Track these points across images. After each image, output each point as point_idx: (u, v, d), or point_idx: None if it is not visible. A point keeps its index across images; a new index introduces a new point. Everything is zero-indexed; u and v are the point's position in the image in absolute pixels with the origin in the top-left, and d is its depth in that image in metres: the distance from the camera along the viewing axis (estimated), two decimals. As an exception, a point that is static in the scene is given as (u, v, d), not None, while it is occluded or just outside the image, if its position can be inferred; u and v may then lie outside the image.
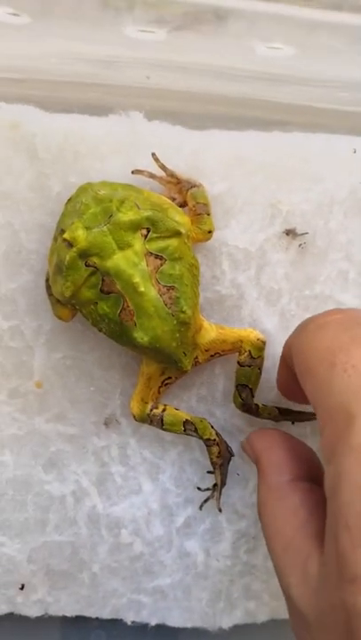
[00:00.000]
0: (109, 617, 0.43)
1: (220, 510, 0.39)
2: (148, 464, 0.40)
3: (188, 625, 0.43)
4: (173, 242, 0.32)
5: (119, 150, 0.36)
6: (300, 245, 0.38)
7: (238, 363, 0.37)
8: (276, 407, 0.38)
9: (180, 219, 0.33)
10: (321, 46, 0.27)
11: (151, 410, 0.37)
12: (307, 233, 0.38)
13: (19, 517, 0.41)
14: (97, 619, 0.43)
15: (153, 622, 0.43)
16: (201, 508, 0.40)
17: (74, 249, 0.31)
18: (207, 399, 0.40)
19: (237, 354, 0.37)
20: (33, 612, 0.42)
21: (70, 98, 0.36)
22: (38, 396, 0.39)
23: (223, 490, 0.40)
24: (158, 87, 0.35)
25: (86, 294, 0.32)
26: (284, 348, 0.32)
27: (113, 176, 0.35)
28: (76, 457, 0.40)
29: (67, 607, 0.42)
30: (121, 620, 0.43)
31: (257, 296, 0.38)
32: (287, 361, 0.31)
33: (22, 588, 0.42)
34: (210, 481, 0.40)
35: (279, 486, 0.30)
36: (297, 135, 0.38)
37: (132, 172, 0.35)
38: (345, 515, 0.22)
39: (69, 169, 0.36)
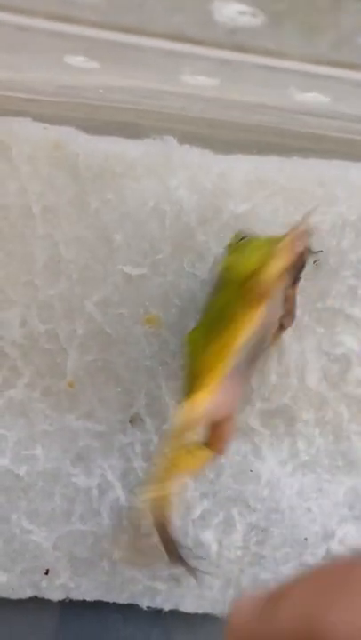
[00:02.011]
0: (126, 602, 0.46)
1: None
2: (168, 460, 0.44)
3: (200, 611, 0.46)
4: None
5: (153, 171, 0.39)
6: (314, 262, 0.41)
7: None
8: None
9: None
10: (346, 93, 0.30)
11: None
12: (321, 251, 0.41)
13: (46, 507, 0.44)
14: (114, 603, 0.46)
15: (167, 608, 0.46)
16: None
17: None
18: (225, 401, 0.43)
19: None
20: (55, 595, 0.45)
21: (109, 121, 0.39)
22: (69, 395, 0.42)
23: (236, 486, 0.43)
24: (191, 115, 0.38)
25: None
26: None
27: (146, 195, 0.38)
28: (102, 452, 0.43)
29: (87, 592, 0.45)
30: (137, 605, 0.46)
31: (274, 307, 0.42)
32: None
33: (47, 573, 0.45)
34: (225, 477, 0.44)
35: None
36: (314, 161, 0.41)
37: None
38: None
39: (107, 187, 0.39)
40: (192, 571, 0.41)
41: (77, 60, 0.31)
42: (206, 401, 0.33)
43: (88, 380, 0.42)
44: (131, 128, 0.39)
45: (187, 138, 0.39)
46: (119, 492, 0.44)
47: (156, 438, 0.43)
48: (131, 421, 0.43)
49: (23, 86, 0.38)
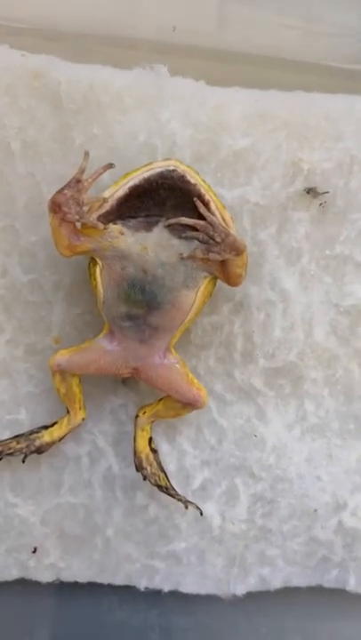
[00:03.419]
0: (122, 583, 0.42)
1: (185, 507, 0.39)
2: (164, 424, 0.40)
3: (202, 591, 0.42)
4: None
5: (143, 103, 0.36)
6: (320, 205, 0.38)
7: None
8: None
9: None
10: None
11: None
12: (327, 192, 0.38)
13: (33, 478, 0.40)
14: (109, 585, 0.42)
15: (166, 589, 0.42)
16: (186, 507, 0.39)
17: None
18: (225, 359, 0.40)
19: None
20: (45, 577, 0.42)
21: (95, 52, 0.36)
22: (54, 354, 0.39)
23: (240, 452, 0.40)
24: (184, 45, 0.35)
25: None
26: None
27: (135, 129, 0.35)
28: (92, 416, 0.40)
29: (79, 573, 0.42)
30: (134, 586, 0.42)
31: (277, 254, 0.38)
32: None
33: (35, 551, 0.41)
34: (227, 443, 0.40)
35: None
36: (319, 95, 0.38)
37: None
38: None
39: (93, 120, 0.36)
40: (181, 498, 0.39)
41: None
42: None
43: (76, 336, 0.38)
44: (118, 57, 0.36)
45: (179, 70, 0.36)
46: (111, 460, 0.40)
47: (150, 400, 0.39)
48: (123, 381, 0.40)
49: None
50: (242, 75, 0.37)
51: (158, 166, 0.31)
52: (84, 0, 0.34)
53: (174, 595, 0.42)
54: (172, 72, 0.36)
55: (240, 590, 0.42)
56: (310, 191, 0.37)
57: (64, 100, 0.35)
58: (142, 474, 0.38)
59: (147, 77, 0.36)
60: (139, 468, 0.38)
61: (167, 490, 0.39)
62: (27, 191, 0.36)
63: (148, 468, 0.38)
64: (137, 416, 0.38)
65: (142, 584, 0.42)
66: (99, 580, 0.42)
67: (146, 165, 0.32)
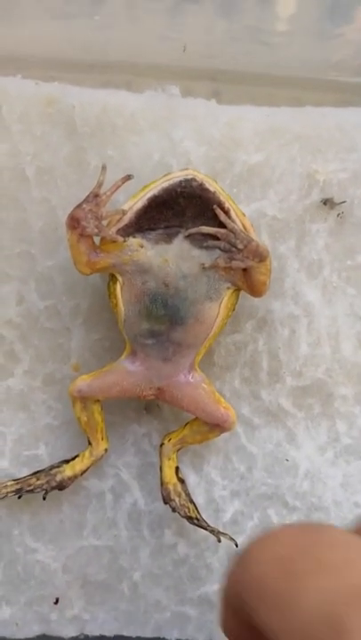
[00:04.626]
0: (152, 635, 0.39)
1: (218, 540, 0.36)
2: (191, 453, 0.38)
3: (240, 640, 0.39)
4: None
5: (156, 124, 0.36)
6: (338, 215, 0.38)
7: None
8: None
9: None
10: None
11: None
12: (344, 202, 0.37)
13: (53, 519, 0.38)
14: (138, 638, 0.39)
15: (200, 639, 0.39)
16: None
17: None
18: (251, 380, 0.38)
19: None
20: (68, 631, 0.39)
21: (105, 78, 0.37)
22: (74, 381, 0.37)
23: (271, 480, 0.38)
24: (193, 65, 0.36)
25: None
26: (227, 589, 0.22)
27: (150, 149, 0.35)
28: (115, 448, 0.38)
29: (105, 625, 0.39)
30: (164, 638, 0.39)
31: (298, 267, 0.37)
32: (233, 603, 0.21)
33: (56, 602, 0.38)
34: (257, 471, 0.38)
35: None
36: (329, 109, 0.38)
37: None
38: None
39: (107, 143, 0.36)
40: (213, 530, 0.36)
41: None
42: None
43: (95, 363, 0.37)
44: (129, 83, 0.36)
45: (190, 90, 0.37)
46: (137, 495, 0.38)
47: (174, 427, 0.38)
48: (146, 408, 0.38)
49: (13, 45, 0.36)
50: (252, 93, 0.38)
51: (176, 176, 0.31)
52: (91, 28, 0.35)
53: (209, 646, 0.39)
54: (183, 93, 0.36)
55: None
56: (327, 202, 0.37)
57: (78, 124, 0.35)
58: (171, 506, 0.36)
59: (159, 98, 0.36)
60: (167, 499, 0.36)
61: (198, 522, 0.36)
62: (42, 216, 0.36)
63: (177, 500, 0.36)
64: (162, 444, 0.36)
65: (174, 635, 0.39)
66: (126, 632, 0.39)
67: (164, 176, 0.31)
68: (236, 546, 0.37)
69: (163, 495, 0.36)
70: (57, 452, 0.37)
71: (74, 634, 0.39)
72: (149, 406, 0.38)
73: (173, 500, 0.36)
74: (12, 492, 0.36)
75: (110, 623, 0.39)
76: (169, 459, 0.36)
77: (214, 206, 0.31)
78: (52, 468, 0.36)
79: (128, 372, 0.34)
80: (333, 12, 0.36)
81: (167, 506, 0.36)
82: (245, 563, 0.19)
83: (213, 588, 0.38)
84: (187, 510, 0.36)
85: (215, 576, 0.38)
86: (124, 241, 0.32)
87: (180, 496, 0.36)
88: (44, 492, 0.36)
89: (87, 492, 0.38)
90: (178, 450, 0.37)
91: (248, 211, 0.36)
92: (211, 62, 0.36)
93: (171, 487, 0.36)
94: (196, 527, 0.36)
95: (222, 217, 0.32)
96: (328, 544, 0.19)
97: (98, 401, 0.35)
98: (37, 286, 0.36)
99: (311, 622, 0.17)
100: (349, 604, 0.16)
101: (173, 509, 0.36)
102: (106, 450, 0.36)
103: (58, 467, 0.36)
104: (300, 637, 0.17)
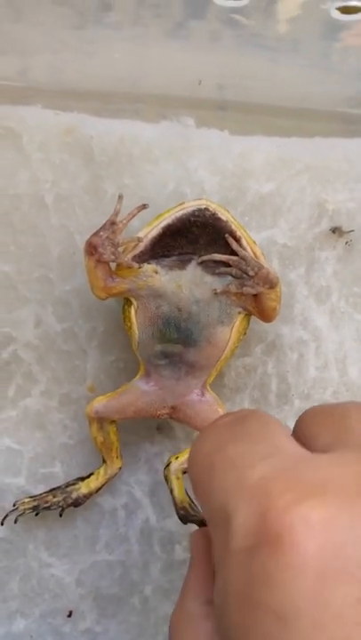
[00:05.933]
0: (162, 647, 0.40)
1: None
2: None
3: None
4: None
5: (171, 154, 0.37)
6: (346, 243, 0.39)
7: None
8: None
9: None
10: None
11: None
12: (352, 230, 0.39)
13: (68, 534, 0.39)
14: (148, 650, 0.40)
15: (209, 651, 0.40)
16: None
17: None
18: (260, 401, 0.39)
19: None
20: (80, 643, 0.40)
21: (123, 108, 0.38)
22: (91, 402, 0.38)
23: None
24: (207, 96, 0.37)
25: None
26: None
27: (165, 178, 0.36)
28: (127, 466, 0.39)
29: (116, 637, 0.40)
30: (174, 650, 0.40)
31: (307, 294, 0.39)
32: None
33: (70, 615, 0.40)
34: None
35: (194, 610, 0.25)
36: (337, 140, 0.39)
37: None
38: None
39: (124, 171, 0.37)
40: None
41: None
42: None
43: (110, 384, 0.38)
44: (144, 113, 0.38)
45: (203, 121, 0.38)
46: (148, 512, 0.39)
47: (185, 446, 0.39)
48: (158, 428, 0.39)
49: (32, 76, 0.37)
50: (263, 124, 0.39)
51: (190, 205, 0.32)
52: (109, 60, 0.36)
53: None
54: (197, 123, 0.38)
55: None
56: (336, 230, 0.38)
57: (96, 153, 0.37)
58: (193, 521, 0.37)
59: (174, 129, 0.37)
60: (185, 519, 0.37)
61: None
62: (60, 242, 0.37)
63: (198, 515, 0.37)
64: (168, 463, 0.37)
65: (183, 647, 0.40)
66: (137, 644, 0.40)
67: (178, 205, 0.33)
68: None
69: (180, 516, 0.37)
70: (72, 470, 0.39)
71: (86, 646, 0.40)
72: (161, 426, 0.39)
73: (195, 516, 0.36)
74: (30, 508, 0.37)
75: (121, 636, 0.40)
76: (177, 478, 0.37)
77: (226, 235, 0.33)
78: (67, 485, 0.38)
79: (142, 392, 0.35)
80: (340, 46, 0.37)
81: (180, 522, 0.37)
82: (191, 452, 0.23)
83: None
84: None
85: (224, 591, 0.39)
86: (140, 267, 0.33)
87: (198, 513, 0.37)
88: (60, 508, 0.37)
89: (100, 509, 0.39)
90: (185, 468, 0.37)
91: (259, 238, 0.38)
92: (223, 94, 0.37)
93: (186, 505, 0.37)
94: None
95: (234, 245, 0.33)
96: (243, 438, 0.22)
97: (114, 422, 0.36)
98: (55, 309, 0.38)
99: (215, 510, 0.20)
100: (235, 495, 0.19)
101: (199, 524, 0.36)
102: (120, 468, 0.37)
103: (73, 484, 0.38)
104: (213, 524, 0.20)
